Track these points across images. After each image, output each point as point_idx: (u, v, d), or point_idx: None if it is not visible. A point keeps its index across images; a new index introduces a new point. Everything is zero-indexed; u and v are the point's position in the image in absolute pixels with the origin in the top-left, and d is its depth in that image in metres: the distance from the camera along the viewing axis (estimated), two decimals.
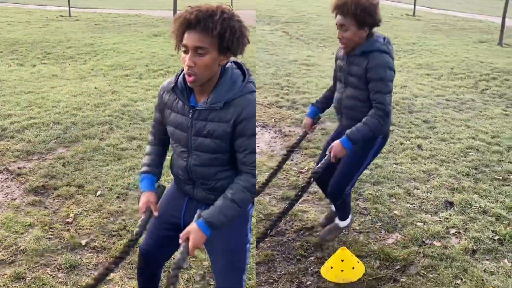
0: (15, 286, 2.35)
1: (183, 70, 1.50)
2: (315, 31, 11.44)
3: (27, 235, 2.80)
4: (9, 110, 4.93)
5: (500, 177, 3.72)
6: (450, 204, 3.27)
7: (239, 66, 1.57)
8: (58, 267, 2.53)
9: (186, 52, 1.44)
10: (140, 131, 4.49)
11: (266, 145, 4.38)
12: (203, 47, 1.40)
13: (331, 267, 2.40)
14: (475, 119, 5.18)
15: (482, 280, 2.43)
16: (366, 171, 3.45)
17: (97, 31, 10.81)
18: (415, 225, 2.96)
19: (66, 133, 4.41)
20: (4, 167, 3.67)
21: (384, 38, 2.21)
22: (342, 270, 2.36)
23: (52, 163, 3.77)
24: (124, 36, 10.23)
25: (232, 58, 1.55)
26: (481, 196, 3.37)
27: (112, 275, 2.41)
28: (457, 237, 2.86)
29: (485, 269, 2.53)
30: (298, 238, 2.84)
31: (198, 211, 1.53)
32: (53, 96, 5.54)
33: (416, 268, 2.53)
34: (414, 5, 14.48)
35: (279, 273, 2.52)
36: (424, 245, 2.75)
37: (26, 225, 2.89)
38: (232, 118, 1.47)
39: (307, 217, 3.05)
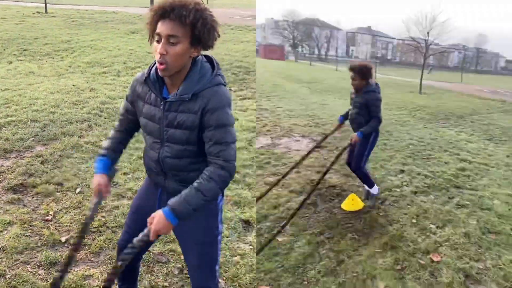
0: None
1: (155, 62, 1.54)
2: (324, 87, 15.02)
3: (7, 233, 2.87)
4: (324, 116, 6.36)
5: (425, 157, 5.87)
6: (402, 171, 5.12)
7: (209, 60, 1.62)
8: (38, 264, 2.61)
9: (158, 41, 1.47)
10: None
11: (304, 145, 6.03)
12: (176, 36, 1.44)
13: (346, 204, 3.92)
14: (411, 130, 7.72)
15: (420, 205, 4.04)
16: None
17: (74, 27, 10.90)
18: (386, 181, 4.66)
19: (44, 131, 4.45)
20: (310, 137, 4.83)
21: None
22: (352, 205, 3.88)
23: (30, 161, 3.81)
24: (101, 33, 10.36)
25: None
26: (417, 167, 5.43)
27: (91, 270, 2.52)
28: (407, 186, 4.58)
29: (421, 200, 4.20)
30: (327, 191, 4.29)
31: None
32: (30, 93, 5.57)
33: (388, 201, 4.09)
34: (45, 3, 14.16)
35: (320, 208, 3.90)
36: (392, 191, 4.37)
37: (5, 223, 2.94)
38: (199, 109, 1.52)
39: (331, 179, 4.52)
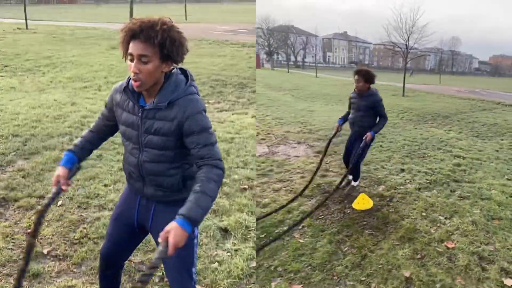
0: None
1: None
2: (308, 93, 15.47)
3: None
4: (316, 123, 7.08)
5: (422, 156, 6.26)
6: (402, 170, 5.42)
7: (184, 72, 1.73)
8: None
9: (131, 60, 1.58)
10: None
11: (302, 151, 6.29)
12: (146, 55, 1.55)
13: (358, 203, 4.13)
14: (403, 131, 8.28)
15: (426, 200, 4.37)
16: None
17: (55, 43, 11.03)
18: (390, 180, 4.99)
19: (26, 145, 4.50)
20: (307, 143, 5.19)
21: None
22: (363, 204, 4.10)
23: (12, 175, 3.84)
24: (82, 48, 10.52)
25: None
26: (416, 165, 5.80)
27: (74, 281, 2.53)
28: (410, 183, 4.93)
29: (426, 195, 4.53)
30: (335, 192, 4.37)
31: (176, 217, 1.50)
32: (12, 108, 5.60)
33: (396, 199, 4.43)
34: (26, 19, 14.16)
35: (333, 209, 4.11)
36: (397, 189, 4.69)
37: None
38: (176, 117, 1.62)
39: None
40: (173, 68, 1.69)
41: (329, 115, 9.93)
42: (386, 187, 4.73)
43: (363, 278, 2.91)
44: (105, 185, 3.78)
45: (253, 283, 2.77)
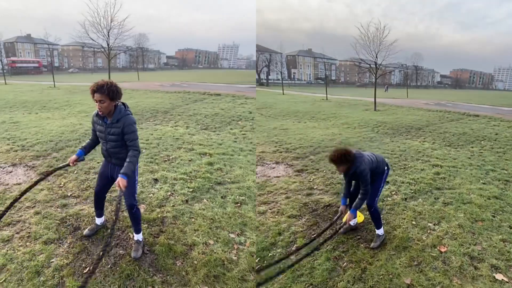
0: None
1: None
2: (278, 112, 17.44)
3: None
4: (26, 136, 7.97)
5: (403, 167, 6.62)
6: (387, 182, 5.56)
7: (123, 103, 3.25)
8: None
9: (96, 101, 3.10)
10: None
11: (283, 171, 6.41)
12: (102, 100, 3.08)
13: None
14: (380, 145, 8.84)
15: (414, 209, 4.63)
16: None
17: (70, 94, 17.98)
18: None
19: (57, 145, 7.26)
20: (24, 164, 6.01)
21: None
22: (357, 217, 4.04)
23: (50, 160, 6.29)
24: (85, 96, 16.53)
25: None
26: (399, 176, 6.12)
27: (84, 207, 4.31)
28: (396, 194, 5.18)
29: (412, 204, 4.79)
30: (325, 211, 4.70)
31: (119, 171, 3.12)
32: (48, 127, 9.12)
33: (385, 210, 4.61)
34: (54, 81, 25.89)
35: (322, 227, 4.16)
36: (384, 201, 4.92)
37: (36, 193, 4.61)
38: (120, 126, 3.16)
39: (324, 199, 5.03)
40: (118, 103, 3.21)
41: (304, 132, 10.29)
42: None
43: None
44: (98, 162, 5.91)
45: None
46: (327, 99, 24.96)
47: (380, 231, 3.83)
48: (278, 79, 60.28)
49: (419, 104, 23.00)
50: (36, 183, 3.41)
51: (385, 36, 18.08)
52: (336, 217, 3.74)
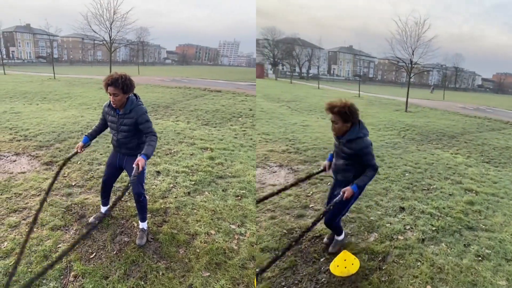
0: None
1: None
2: (306, 106, 16.31)
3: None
4: (28, 126, 8.00)
5: (426, 188, 5.47)
6: (402, 209, 4.63)
7: (135, 95, 3.37)
8: None
9: (110, 94, 3.21)
10: None
11: (282, 178, 5.64)
12: (116, 93, 3.20)
13: (337, 265, 3.13)
14: (404, 153, 7.73)
15: (432, 260, 3.44)
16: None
17: (71, 86, 18.08)
18: (385, 225, 4.10)
19: (59, 136, 7.34)
20: (27, 153, 6.05)
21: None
22: (345, 267, 3.10)
23: (53, 150, 6.35)
24: (85, 88, 17.25)
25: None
26: (419, 202, 4.91)
27: (88, 196, 4.45)
28: (411, 231, 4.00)
29: (432, 251, 3.58)
30: (311, 245, 3.66)
31: (138, 156, 3.14)
32: (50, 119, 9.16)
33: (391, 257, 3.46)
34: (54, 73, 25.01)
35: (301, 274, 3.19)
36: (393, 239, 3.79)
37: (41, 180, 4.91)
38: (133, 117, 3.29)
39: (315, 228, 3.87)
40: (130, 94, 3.33)
41: (324, 131, 9.55)
42: (380, 237, 3.77)
43: None
44: (100, 154, 6.12)
45: None
46: (359, 96, 24.78)
47: (340, 236, 3.53)
48: (318, 74, 62.07)
49: (456, 107, 21.29)
50: (57, 174, 3.52)
51: (425, 31, 16.77)
52: (316, 172, 3.48)
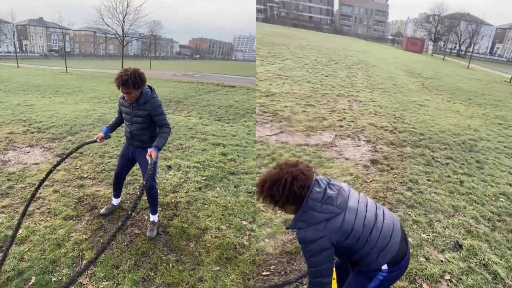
0: None
1: None
2: (439, 85, 15.95)
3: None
4: (41, 119, 8.20)
5: (180, 148, 6.04)
6: (459, 247, 3.51)
7: (149, 87, 3.40)
8: None
9: (124, 93, 3.25)
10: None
11: (357, 153, 6.02)
12: (129, 92, 3.21)
13: None
14: None
15: (216, 201, 3.93)
16: (407, 193, 4.62)
17: (83, 80, 18.53)
18: (418, 259, 3.33)
19: (71, 129, 7.52)
20: (41, 145, 6.21)
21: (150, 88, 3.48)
22: None
23: (65, 142, 6.53)
24: (97, 82, 17.65)
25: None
26: (491, 247, 3.59)
27: (99, 188, 4.58)
28: (187, 183, 4.83)
29: (212, 195, 3.96)
30: None
31: (149, 149, 3.21)
32: (62, 112, 9.34)
33: (181, 205, 4.17)
34: (66, 67, 25.21)
35: None
36: (176, 192, 4.61)
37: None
38: (147, 109, 3.33)
39: None
40: (144, 87, 3.34)
41: (52, 108, 9.66)
42: (164, 191, 4.50)
43: None
44: (112, 147, 6.24)
45: None
46: (67, 72, 23.96)
47: (155, 217, 3.71)
48: (9, 52, 56.82)
49: (167, 75, 23.50)
50: (70, 153, 3.62)
51: None
52: (91, 141, 3.67)
